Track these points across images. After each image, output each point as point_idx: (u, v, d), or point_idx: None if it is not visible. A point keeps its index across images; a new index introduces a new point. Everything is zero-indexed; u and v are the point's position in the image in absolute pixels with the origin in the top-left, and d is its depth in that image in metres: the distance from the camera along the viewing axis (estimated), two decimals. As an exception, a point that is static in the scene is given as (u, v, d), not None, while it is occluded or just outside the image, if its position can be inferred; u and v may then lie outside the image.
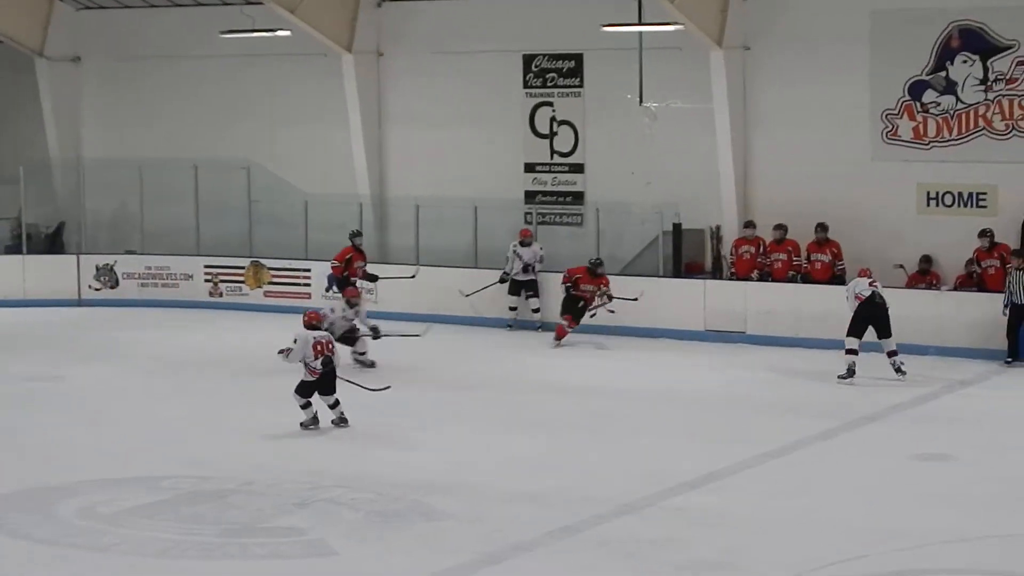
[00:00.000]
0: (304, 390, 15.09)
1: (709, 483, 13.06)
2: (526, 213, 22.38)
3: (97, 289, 23.98)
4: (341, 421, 15.13)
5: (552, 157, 22.53)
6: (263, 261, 23.19)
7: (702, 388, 17.42)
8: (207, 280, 23.63)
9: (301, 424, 15.08)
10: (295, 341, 15.08)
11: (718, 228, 21.11)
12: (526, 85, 22.57)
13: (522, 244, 21.10)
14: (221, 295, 23.41)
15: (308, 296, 22.23)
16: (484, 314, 21.03)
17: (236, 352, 19.62)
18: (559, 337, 19.85)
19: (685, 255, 20.93)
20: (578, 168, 22.35)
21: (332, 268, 20.92)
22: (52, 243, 25.39)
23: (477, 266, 21.81)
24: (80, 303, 23.78)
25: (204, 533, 11.67)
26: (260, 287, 23.23)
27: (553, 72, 22.39)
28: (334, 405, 15.12)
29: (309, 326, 15.25)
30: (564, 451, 14.39)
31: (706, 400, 16.72)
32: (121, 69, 25.46)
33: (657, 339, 19.90)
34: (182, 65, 24.91)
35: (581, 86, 22.20)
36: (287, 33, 22.58)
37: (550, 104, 22.45)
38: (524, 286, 21.13)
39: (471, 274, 21.49)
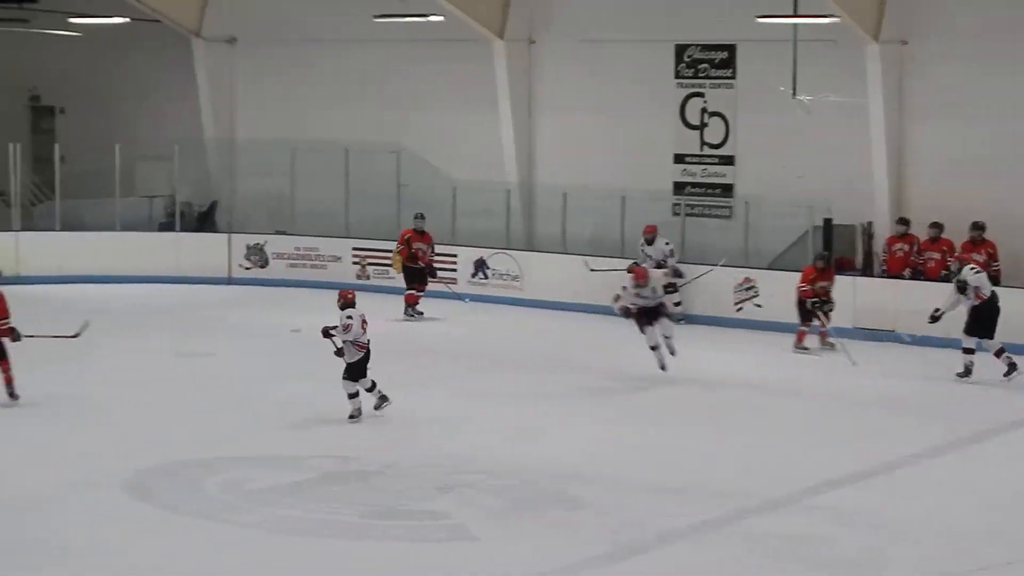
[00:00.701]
0: (354, 373, 14.82)
1: (852, 482, 12.88)
2: (674, 204, 22.21)
3: (247, 268, 24.29)
4: (383, 400, 14.89)
5: (702, 148, 22.34)
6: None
7: (846, 385, 17.15)
8: (355, 262, 23.82)
9: (350, 417, 14.80)
10: (350, 317, 14.81)
11: (870, 224, 20.77)
12: (677, 75, 22.40)
13: (647, 242, 20.88)
14: (368, 278, 23.54)
15: (454, 281, 22.33)
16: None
17: (380, 336, 19.58)
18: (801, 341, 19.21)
19: (836, 251, 20.62)
20: (728, 160, 22.14)
21: (399, 251, 21.17)
22: (204, 221, 25.79)
23: (623, 256, 21.65)
24: (230, 281, 24.12)
25: (346, 514, 11.77)
26: (407, 271, 23.29)
27: (705, 63, 22.20)
28: (371, 388, 14.89)
29: (349, 304, 14.96)
30: (702, 444, 14.28)
31: (851, 398, 16.46)
32: (275, 51, 25.74)
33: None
34: (335, 48, 25.12)
35: (733, 77, 21.97)
36: (440, 18, 22.66)
37: (701, 95, 22.27)
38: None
39: (615, 265, 21.23)
